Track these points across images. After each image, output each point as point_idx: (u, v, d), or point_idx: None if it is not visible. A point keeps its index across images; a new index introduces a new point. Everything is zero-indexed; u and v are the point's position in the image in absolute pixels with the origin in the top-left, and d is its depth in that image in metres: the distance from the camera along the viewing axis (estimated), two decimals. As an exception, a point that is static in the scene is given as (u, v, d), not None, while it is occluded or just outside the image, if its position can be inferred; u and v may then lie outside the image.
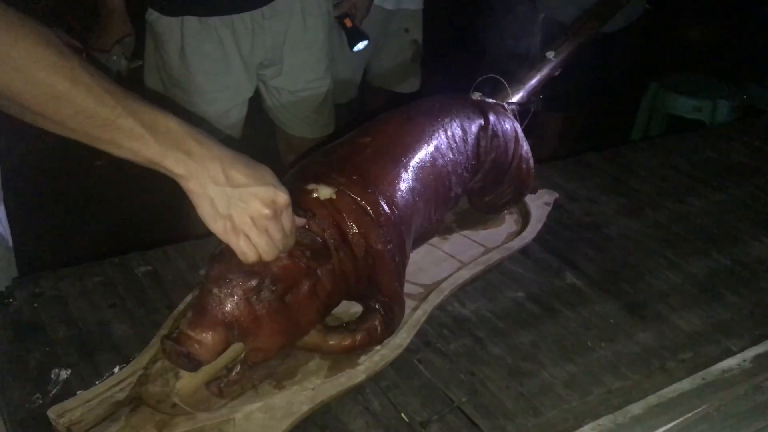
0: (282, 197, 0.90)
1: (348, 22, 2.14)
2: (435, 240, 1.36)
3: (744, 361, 1.14)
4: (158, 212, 2.47)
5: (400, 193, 1.11)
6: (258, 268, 0.93)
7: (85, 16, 1.92)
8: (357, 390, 1.04)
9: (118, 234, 2.57)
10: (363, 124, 1.24)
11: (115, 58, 1.82)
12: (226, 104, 1.93)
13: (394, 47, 2.69)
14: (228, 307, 0.92)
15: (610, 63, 2.55)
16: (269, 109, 2.07)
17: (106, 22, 1.83)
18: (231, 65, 1.88)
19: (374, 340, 1.08)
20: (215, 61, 1.85)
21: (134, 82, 1.94)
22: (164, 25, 1.81)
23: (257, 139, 2.04)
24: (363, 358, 1.07)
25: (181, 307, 1.12)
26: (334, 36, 2.52)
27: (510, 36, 2.16)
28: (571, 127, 2.79)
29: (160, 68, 1.90)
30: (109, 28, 1.83)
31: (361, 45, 2.20)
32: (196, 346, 0.91)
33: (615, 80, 2.70)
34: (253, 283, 0.93)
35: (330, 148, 1.19)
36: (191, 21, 1.80)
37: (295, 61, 1.96)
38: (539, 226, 1.43)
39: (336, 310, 1.10)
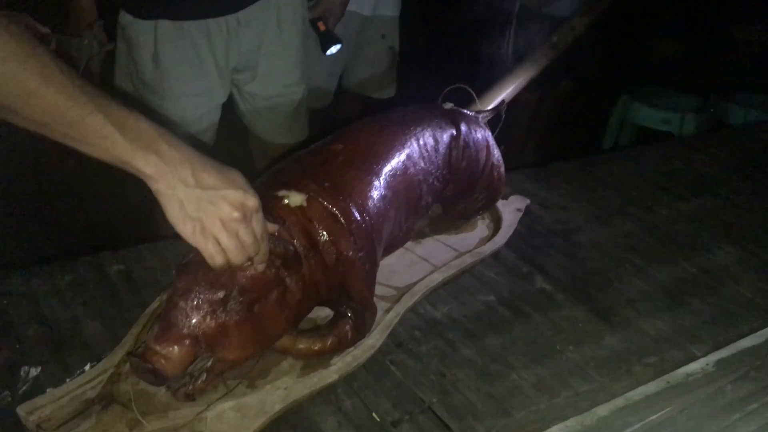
0: (252, 201, 0.90)
1: (321, 26, 2.13)
2: (408, 243, 1.37)
3: (707, 365, 1.17)
4: (131, 211, 2.45)
5: (371, 200, 1.12)
6: (225, 280, 0.93)
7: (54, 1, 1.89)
8: (329, 390, 1.04)
9: (91, 233, 2.54)
10: (335, 132, 1.25)
11: (86, 42, 1.79)
12: (200, 109, 1.91)
13: (370, 53, 2.70)
14: (194, 320, 0.92)
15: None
16: (243, 114, 2.07)
17: (75, 7, 1.81)
18: (205, 70, 1.86)
19: (344, 345, 1.09)
20: (189, 66, 1.83)
21: (107, 78, 1.93)
22: (137, 28, 1.79)
23: (230, 144, 2.03)
24: (335, 359, 1.08)
25: (154, 305, 1.12)
26: (309, 43, 2.54)
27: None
28: (543, 111, 2.84)
29: (133, 72, 1.87)
30: (78, 12, 1.81)
31: (333, 49, 2.18)
32: (162, 361, 0.90)
33: (584, 58, 2.74)
34: (220, 295, 0.93)
35: (302, 155, 1.19)
36: (165, 25, 1.77)
37: (270, 66, 1.96)
38: (510, 232, 1.45)
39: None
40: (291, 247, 0.99)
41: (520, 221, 1.49)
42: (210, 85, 1.89)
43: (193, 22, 1.78)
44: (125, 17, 1.81)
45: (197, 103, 1.89)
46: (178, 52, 1.80)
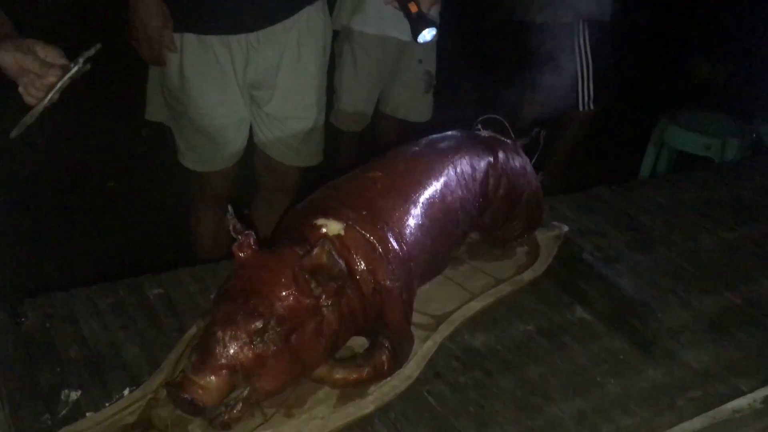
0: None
1: (413, 7, 1.81)
2: (446, 270, 1.36)
3: (754, 401, 1.14)
4: (170, 234, 2.49)
5: (408, 229, 1.12)
6: (263, 309, 0.93)
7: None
8: (366, 420, 1.04)
9: (131, 256, 2.58)
10: (373, 159, 1.25)
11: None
12: (222, 120, 1.97)
13: (407, 77, 2.72)
14: (232, 351, 0.92)
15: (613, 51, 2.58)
16: (255, 131, 2.10)
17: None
18: (226, 83, 1.93)
19: (381, 375, 1.08)
20: (211, 78, 1.91)
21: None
22: None
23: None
24: (372, 388, 1.07)
25: (192, 330, 1.12)
26: (344, 70, 2.55)
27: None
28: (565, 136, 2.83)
29: (162, 82, 1.96)
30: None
31: (428, 34, 1.84)
32: (200, 391, 0.91)
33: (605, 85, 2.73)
34: (258, 324, 0.93)
35: (340, 182, 1.19)
36: (190, 38, 1.86)
37: (287, 88, 2.00)
38: (550, 260, 1.43)
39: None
40: (338, 270, 0.98)
41: (560, 249, 1.47)
42: (231, 98, 1.96)
43: (216, 37, 1.87)
44: None
45: (219, 114, 1.96)
46: (201, 64, 1.89)
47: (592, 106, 2.84)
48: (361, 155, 2.66)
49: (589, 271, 1.45)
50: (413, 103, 2.77)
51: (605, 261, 1.49)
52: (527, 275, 1.38)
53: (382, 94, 2.76)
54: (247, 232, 1.01)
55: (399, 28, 2.54)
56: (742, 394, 1.16)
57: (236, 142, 2.02)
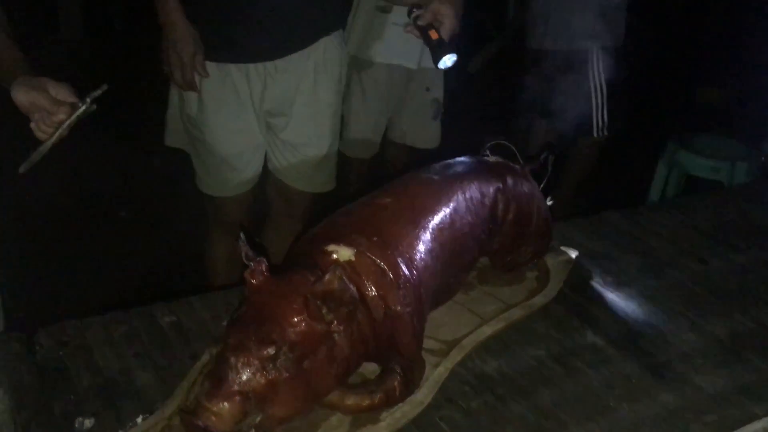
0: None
1: (433, 35, 1.85)
2: (457, 295, 1.37)
3: (769, 425, 1.13)
4: (182, 261, 2.51)
5: (419, 255, 1.13)
6: (275, 336, 0.94)
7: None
8: (378, 446, 1.03)
9: (143, 284, 2.59)
10: (383, 185, 1.26)
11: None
12: (238, 146, 2.02)
13: (415, 105, 2.75)
14: (245, 377, 0.93)
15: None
16: (269, 157, 2.13)
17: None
18: (243, 110, 1.98)
19: (392, 401, 1.08)
20: (229, 104, 1.96)
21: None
22: None
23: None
24: (384, 414, 1.07)
25: (204, 357, 1.13)
26: (352, 100, 2.58)
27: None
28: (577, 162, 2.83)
29: (181, 108, 2.02)
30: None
31: (448, 60, 1.86)
32: (213, 418, 0.91)
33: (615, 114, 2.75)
34: (271, 351, 0.93)
35: (350, 209, 1.20)
36: (210, 66, 1.91)
37: (302, 115, 2.04)
38: (560, 284, 1.44)
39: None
40: (349, 294, 0.99)
41: (570, 274, 1.48)
42: (247, 125, 2.01)
43: (234, 65, 1.92)
44: None
45: (236, 141, 2.01)
46: (219, 91, 1.94)
47: (605, 133, 2.85)
48: (370, 182, 2.68)
49: (600, 295, 1.45)
50: (421, 130, 2.80)
51: (616, 285, 1.49)
52: (538, 300, 1.39)
53: (391, 121, 2.79)
54: (259, 258, 1.02)
55: (407, 57, 2.58)
56: (757, 417, 1.15)
57: (252, 168, 2.06)
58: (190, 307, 1.32)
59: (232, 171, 2.03)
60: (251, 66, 1.92)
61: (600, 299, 1.44)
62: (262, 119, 2.02)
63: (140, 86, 1.93)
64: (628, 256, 1.61)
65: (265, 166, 2.12)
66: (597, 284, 1.49)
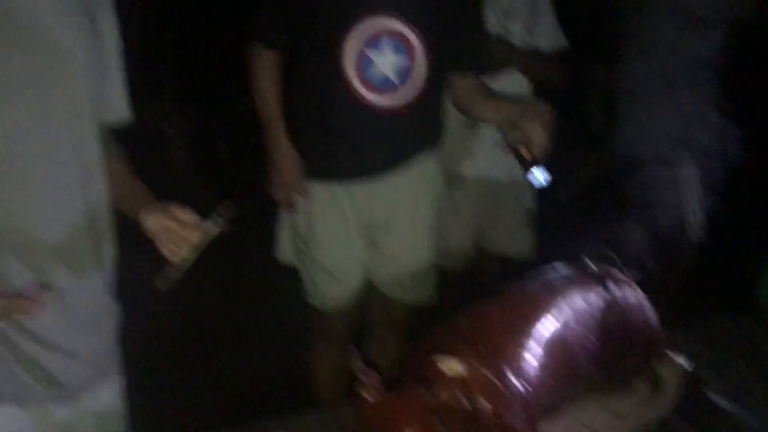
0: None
1: (526, 153, 1.83)
2: (566, 407, 1.34)
3: None
4: (286, 376, 2.55)
5: (529, 367, 1.13)
6: None
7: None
8: None
9: (252, 398, 2.64)
10: (487, 295, 1.28)
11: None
12: (342, 260, 2.10)
13: (507, 214, 2.77)
14: None
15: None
16: (370, 270, 2.19)
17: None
18: (347, 225, 2.07)
19: None
20: (333, 220, 2.06)
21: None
22: None
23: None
24: None
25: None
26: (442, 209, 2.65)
27: None
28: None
29: (289, 224, 2.15)
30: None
31: (541, 177, 1.83)
32: None
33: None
34: None
35: (455, 320, 1.22)
36: (314, 185, 2.04)
37: (403, 230, 2.11)
38: (673, 395, 1.39)
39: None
40: (465, 408, 0.99)
41: (683, 383, 1.43)
42: (351, 240, 2.09)
43: (337, 183, 2.03)
44: None
45: (340, 255, 2.09)
46: (324, 208, 2.04)
47: (702, 235, 2.79)
48: (463, 292, 2.69)
49: (716, 406, 1.40)
50: (514, 238, 2.81)
51: (732, 395, 1.43)
52: (650, 411, 1.34)
53: (482, 231, 2.81)
54: (371, 373, 1.04)
55: (497, 169, 2.64)
56: None
57: (355, 281, 2.13)
58: (303, 423, 1.34)
59: (337, 284, 2.10)
60: (354, 184, 2.03)
61: (716, 410, 1.38)
62: (364, 234, 2.10)
63: (244, 205, 2.05)
64: (743, 363, 1.54)
65: (367, 279, 2.19)
66: (712, 394, 1.44)
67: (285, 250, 2.21)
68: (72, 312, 1.23)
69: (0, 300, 1.02)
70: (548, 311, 1.22)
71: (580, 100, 3.53)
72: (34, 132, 1.14)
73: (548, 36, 2.63)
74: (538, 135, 1.76)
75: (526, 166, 1.82)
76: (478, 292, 1.33)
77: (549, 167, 1.83)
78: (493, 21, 2.42)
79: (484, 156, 2.60)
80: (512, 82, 2.54)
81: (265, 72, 2.01)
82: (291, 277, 2.21)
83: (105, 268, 1.33)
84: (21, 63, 1.11)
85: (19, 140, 1.13)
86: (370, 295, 2.21)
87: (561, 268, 1.39)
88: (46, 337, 1.20)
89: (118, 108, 1.36)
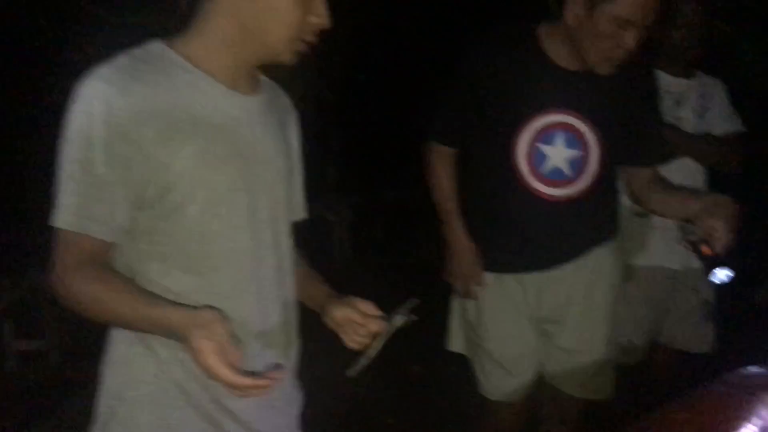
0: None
1: (706, 250, 1.81)
2: None
3: None
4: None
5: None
6: None
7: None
8: None
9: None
10: (677, 400, 1.22)
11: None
12: (514, 352, 2.08)
13: (683, 307, 2.64)
14: None
15: None
16: (543, 364, 2.14)
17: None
18: (519, 317, 2.06)
19: None
20: (506, 312, 2.06)
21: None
22: None
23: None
24: None
25: None
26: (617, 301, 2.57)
27: None
28: None
29: (462, 315, 2.18)
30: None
31: (722, 275, 1.83)
32: None
33: None
34: None
35: (645, 425, 1.17)
36: (488, 276, 2.06)
37: (577, 322, 2.07)
38: None
39: None
40: None
41: None
42: (522, 331, 2.08)
43: (511, 275, 2.04)
44: None
45: (511, 346, 2.08)
46: (497, 299, 2.06)
47: None
48: (639, 391, 2.56)
49: None
50: (691, 333, 2.66)
51: None
52: None
53: (657, 325, 2.69)
54: None
55: (671, 259, 2.54)
56: None
57: (526, 374, 2.11)
58: None
59: (508, 376, 2.08)
60: (527, 276, 2.03)
61: None
62: (537, 326, 2.08)
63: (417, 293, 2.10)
64: None
65: (539, 373, 2.15)
66: None
67: (456, 339, 2.23)
68: (268, 394, 1.32)
69: (246, 380, 1.11)
70: (749, 421, 1.14)
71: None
72: (245, 231, 1.27)
73: (721, 120, 2.56)
74: (719, 231, 1.70)
75: (708, 263, 1.79)
76: (654, 389, 1.27)
77: (738, 263, 1.75)
78: (664, 110, 2.40)
79: (657, 245, 2.52)
80: (683, 168, 2.48)
81: (442, 167, 2.09)
82: (463, 367, 2.22)
83: (294, 356, 1.43)
84: (238, 171, 1.25)
85: (235, 238, 1.26)
86: (542, 389, 2.17)
87: (758, 371, 1.30)
88: (242, 415, 1.30)
89: (299, 208, 1.49)
